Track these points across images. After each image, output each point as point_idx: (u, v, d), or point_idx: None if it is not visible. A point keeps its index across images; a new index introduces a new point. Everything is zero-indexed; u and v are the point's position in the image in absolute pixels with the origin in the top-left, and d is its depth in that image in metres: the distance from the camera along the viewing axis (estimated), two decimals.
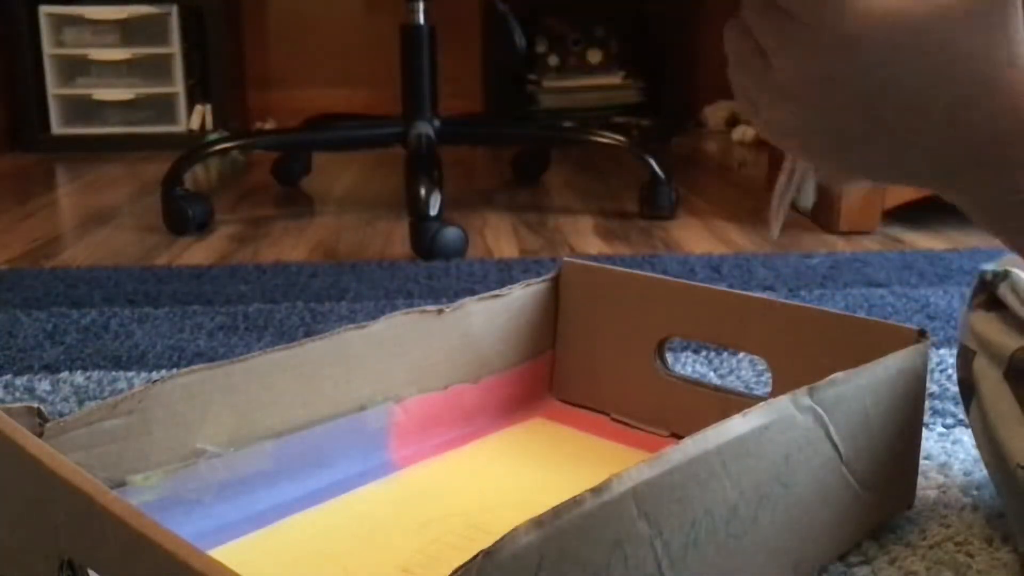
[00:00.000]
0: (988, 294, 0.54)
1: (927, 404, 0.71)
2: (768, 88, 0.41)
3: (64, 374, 0.80)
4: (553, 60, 2.39)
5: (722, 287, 0.64)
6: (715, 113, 2.41)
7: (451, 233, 1.20)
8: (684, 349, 0.84)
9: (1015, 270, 0.53)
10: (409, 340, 0.62)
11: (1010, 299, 0.52)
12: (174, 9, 2.12)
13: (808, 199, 0.49)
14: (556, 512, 0.35)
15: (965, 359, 0.54)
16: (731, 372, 0.79)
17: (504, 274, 1.10)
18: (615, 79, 2.40)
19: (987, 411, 0.51)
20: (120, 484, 0.50)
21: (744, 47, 0.41)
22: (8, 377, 0.79)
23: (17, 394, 0.76)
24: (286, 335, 0.89)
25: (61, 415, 0.61)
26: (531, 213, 1.50)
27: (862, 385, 0.49)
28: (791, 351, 0.60)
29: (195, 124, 2.17)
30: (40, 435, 0.46)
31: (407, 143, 1.44)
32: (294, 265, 1.16)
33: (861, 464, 0.50)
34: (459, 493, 0.58)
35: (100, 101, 2.15)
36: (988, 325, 0.52)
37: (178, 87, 2.15)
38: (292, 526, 0.54)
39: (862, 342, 0.55)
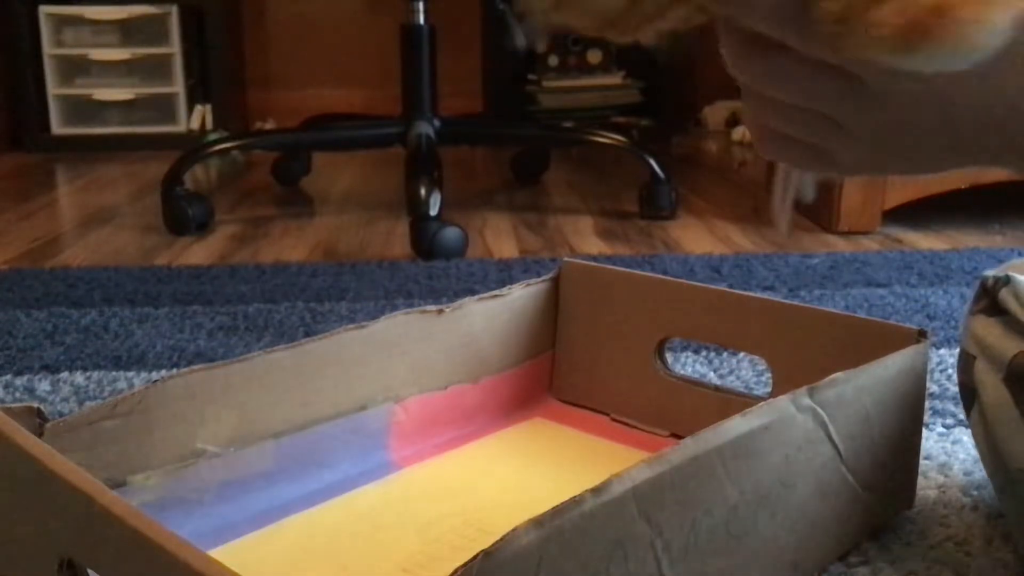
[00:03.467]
0: (989, 299, 0.53)
1: (927, 404, 0.71)
2: (839, 142, 0.41)
3: (64, 374, 0.80)
4: (553, 60, 2.39)
5: (722, 287, 0.64)
6: (715, 113, 2.41)
7: (451, 233, 1.20)
8: (684, 349, 0.84)
9: (1016, 275, 0.53)
10: (409, 340, 0.62)
11: (1011, 304, 0.52)
12: (174, 9, 2.12)
13: (809, 193, 0.49)
14: (556, 512, 0.35)
15: (966, 364, 0.54)
16: (731, 372, 0.79)
17: (504, 274, 1.10)
18: (615, 79, 2.40)
19: (987, 415, 0.51)
20: (120, 484, 0.50)
21: (798, 118, 0.41)
22: (8, 377, 0.79)
23: (17, 394, 0.76)
24: (286, 335, 0.89)
25: (61, 415, 0.61)
26: (531, 213, 1.49)
27: (862, 385, 0.49)
28: (791, 351, 0.60)
29: (195, 124, 2.17)
30: (40, 435, 0.46)
31: (407, 143, 1.44)
32: (294, 265, 1.16)
33: (861, 464, 0.50)
34: (459, 493, 0.58)
35: (100, 101, 2.15)
36: (988, 330, 0.52)
37: (178, 87, 2.15)
38: (292, 526, 0.54)
39: (862, 342, 0.55)
